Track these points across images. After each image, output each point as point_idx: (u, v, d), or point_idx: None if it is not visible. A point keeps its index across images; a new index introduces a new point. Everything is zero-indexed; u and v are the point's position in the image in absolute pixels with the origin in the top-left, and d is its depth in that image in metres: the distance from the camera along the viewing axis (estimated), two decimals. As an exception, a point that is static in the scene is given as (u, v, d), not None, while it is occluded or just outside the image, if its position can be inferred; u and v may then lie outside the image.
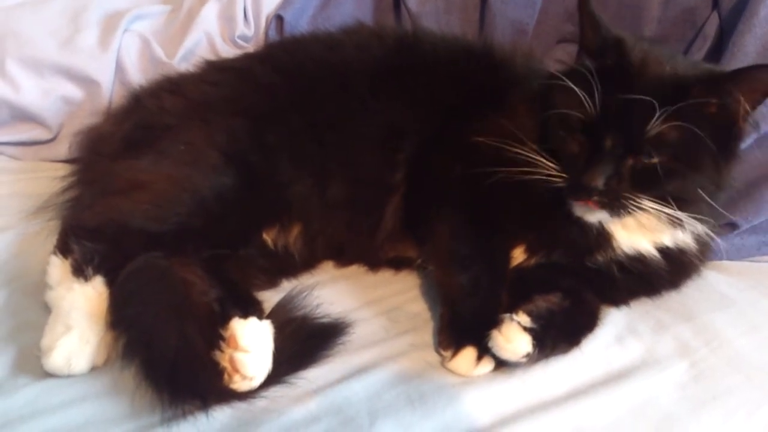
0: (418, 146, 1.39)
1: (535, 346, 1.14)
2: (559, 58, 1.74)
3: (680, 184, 1.15)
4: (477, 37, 1.82)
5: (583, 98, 1.13)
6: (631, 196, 1.14)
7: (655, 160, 1.12)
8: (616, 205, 1.15)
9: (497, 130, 1.27)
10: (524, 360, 1.15)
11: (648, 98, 1.08)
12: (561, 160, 1.19)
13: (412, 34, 1.61)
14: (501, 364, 1.17)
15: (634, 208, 1.15)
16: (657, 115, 1.08)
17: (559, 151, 1.19)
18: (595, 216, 1.20)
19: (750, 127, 1.18)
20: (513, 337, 1.14)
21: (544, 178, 1.18)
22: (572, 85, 1.14)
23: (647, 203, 1.14)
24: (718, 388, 1.17)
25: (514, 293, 1.25)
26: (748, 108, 1.13)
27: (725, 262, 1.54)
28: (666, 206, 1.14)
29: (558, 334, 1.19)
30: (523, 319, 1.16)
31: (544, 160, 1.19)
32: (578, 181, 1.14)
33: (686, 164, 1.13)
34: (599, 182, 1.12)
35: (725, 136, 1.15)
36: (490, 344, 1.15)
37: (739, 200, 1.52)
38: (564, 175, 1.17)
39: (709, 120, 1.12)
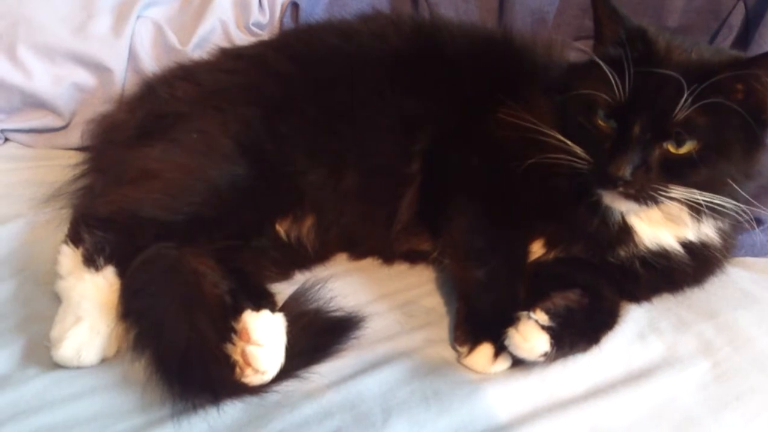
0: (434, 137, 1.37)
1: (552, 345, 1.12)
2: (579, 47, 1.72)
3: (709, 173, 1.12)
4: (496, 25, 1.80)
5: (613, 81, 1.11)
6: (659, 186, 1.11)
7: (684, 148, 1.10)
8: (644, 196, 1.12)
9: (516, 122, 1.24)
10: (542, 359, 1.13)
11: (676, 75, 1.06)
12: (584, 148, 1.16)
13: (429, 22, 1.59)
14: (518, 362, 1.16)
15: (663, 198, 1.12)
16: (686, 95, 1.06)
17: (583, 138, 1.17)
18: (624, 206, 1.18)
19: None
20: (530, 335, 1.12)
21: (568, 162, 1.16)
22: (603, 64, 1.12)
23: (676, 193, 1.12)
24: (740, 389, 1.15)
25: (533, 289, 1.23)
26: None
27: (749, 259, 1.51)
28: (695, 194, 1.12)
29: (577, 333, 1.17)
30: (541, 317, 1.13)
31: (569, 143, 1.16)
32: (604, 170, 1.12)
33: (715, 151, 1.11)
34: (626, 172, 1.10)
35: (753, 123, 1.12)
36: (506, 342, 1.13)
37: (764, 196, 1.48)
38: (589, 159, 1.15)
39: (737, 106, 1.10)
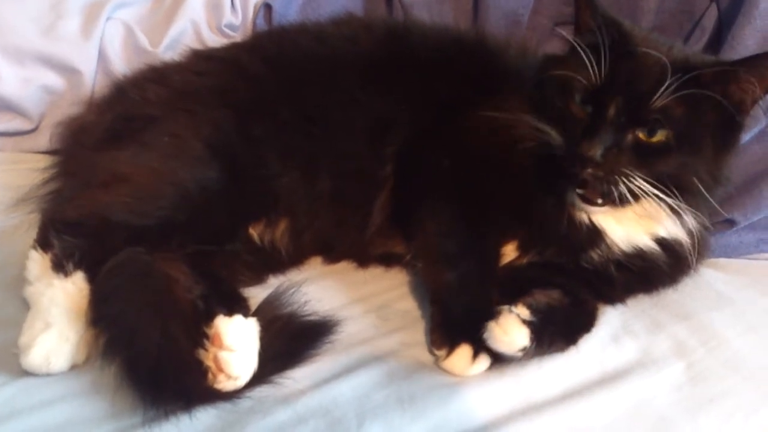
0: (407, 139, 1.37)
1: (532, 340, 1.12)
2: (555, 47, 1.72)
3: (679, 167, 1.13)
4: (470, 27, 1.80)
5: (588, 64, 1.12)
6: (628, 171, 1.11)
7: (656, 137, 1.11)
8: (612, 181, 1.12)
9: (488, 123, 1.25)
10: (520, 354, 1.12)
11: (663, 58, 1.09)
12: (558, 131, 1.16)
13: (402, 25, 1.60)
14: (497, 361, 1.15)
15: (630, 188, 1.12)
16: (669, 80, 1.07)
17: (558, 122, 1.17)
18: (596, 210, 1.18)
19: (757, 116, 1.20)
20: (511, 329, 1.12)
21: (541, 143, 1.17)
22: (579, 47, 1.13)
23: (644, 184, 1.11)
24: (715, 390, 1.15)
25: (509, 291, 1.22)
26: (760, 93, 1.12)
27: (722, 260, 1.52)
28: (662, 191, 1.12)
29: (556, 331, 1.17)
30: (523, 311, 1.13)
31: (543, 126, 1.17)
32: (575, 151, 1.12)
33: (687, 145, 1.12)
34: (597, 152, 1.10)
35: (728, 124, 1.14)
36: (485, 335, 1.12)
37: (737, 197, 1.50)
38: (561, 143, 1.15)
39: (715, 105, 1.11)
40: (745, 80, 1.10)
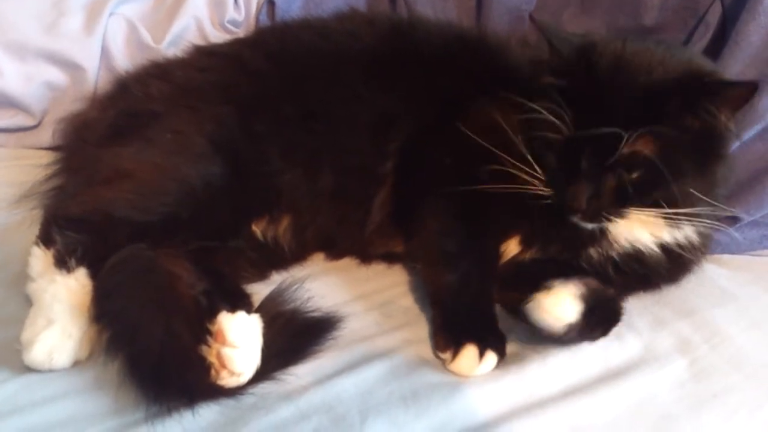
0: (408, 136, 1.36)
1: (580, 318, 1.12)
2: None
3: (664, 193, 1.11)
4: (473, 24, 1.80)
5: (556, 121, 1.11)
6: (615, 211, 1.13)
7: (635, 173, 1.10)
8: (604, 218, 1.14)
9: (487, 123, 1.25)
10: (562, 330, 1.13)
11: (615, 130, 1.05)
12: (543, 169, 1.17)
13: (406, 21, 1.59)
14: (502, 357, 1.15)
15: (623, 215, 1.13)
16: (625, 138, 1.06)
17: (542, 159, 1.17)
18: (589, 225, 1.18)
19: (732, 136, 1.16)
20: (563, 300, 1.12)
21: (530, 190, 1.17)
22: (544, 112, 1.12)
23: (635, 210, 1.13)
24: (718, 387, 1.15)
25: (520, 284, 1.22)
26: (728, 123, 1.10)
27: (726, 256, 1.52)
28: (656, 209, 1.13)
29: (600, 317, 1.17)
30: (579, 288, 1.14)
31: (528, 175, 1.17)
32: (562, 200, 1.14)
33: (669, 173, 1.09)
34: (581, 203, 1.11)
35: (707, 143, 1.12)
36: (529, 305, 1.13)
37: (740, 193, 1.50)
38: (547, 185, 1.16)
39: (687, 129, 1.09)
40: (710, 111, 1.08)
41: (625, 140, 1.06)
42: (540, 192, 1.17)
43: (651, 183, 1.10)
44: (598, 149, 1.09)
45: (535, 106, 1.14)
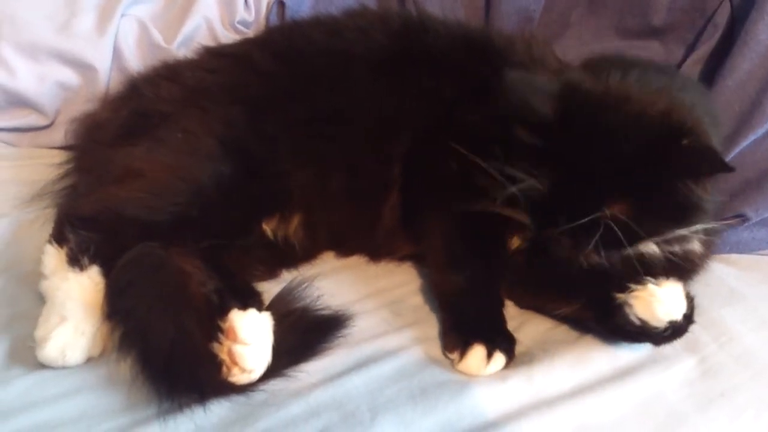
0: (415, 140, 1.36)
1: (682, 318, 1.12)
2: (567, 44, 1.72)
3: (653, 230, 1.09)
4: (482, 23, 1.80)
5: (530, 185, 1.09)
6: (598, 256, 1.11)
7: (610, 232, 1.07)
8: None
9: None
10: (663, 326, 1.12)
11: (588, 219, 1.04)
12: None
13: (417, 19, 1.58)
14: (510, 358, 1.16)
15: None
16: (597, 214, 1.04)
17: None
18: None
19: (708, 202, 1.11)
20: (675, 295, 1.11)
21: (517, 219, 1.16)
22: (518, 174, 1.09)
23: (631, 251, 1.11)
24: (726, 385, 1.15)
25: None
26: (699, 193, 1.07)
27: (734, 256, 1.51)
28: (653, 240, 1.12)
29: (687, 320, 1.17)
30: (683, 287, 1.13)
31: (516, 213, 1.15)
32: (543, 243, 1.13)
33: (650, 221, 1.08)
34: (561, 252, 1.11)
35: (682, 207, 1.09)
36: (634, 295, 1.12)
37: (748, 192, 1.49)
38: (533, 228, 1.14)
39: (663, 196, 1.07)
40: (678, 184, 1.06)
41: (596, 214, 1.04)
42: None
43: (632, 232, 1.06)
44: (572, 211, 1.06)
45: (508, 170, 1.11)
